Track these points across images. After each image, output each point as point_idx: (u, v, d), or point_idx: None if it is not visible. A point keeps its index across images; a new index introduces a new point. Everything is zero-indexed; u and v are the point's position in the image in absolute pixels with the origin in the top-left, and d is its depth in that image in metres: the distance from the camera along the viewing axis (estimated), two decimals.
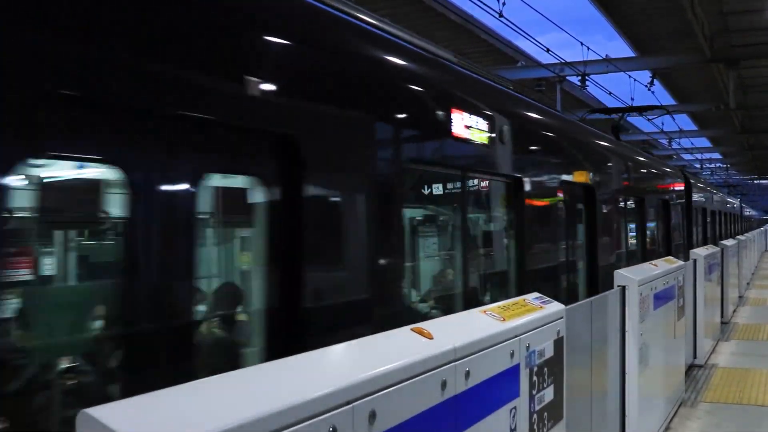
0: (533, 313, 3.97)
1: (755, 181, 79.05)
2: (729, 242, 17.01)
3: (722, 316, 14.84)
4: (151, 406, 1.68)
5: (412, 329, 2.93)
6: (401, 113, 4.57)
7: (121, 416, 1.56)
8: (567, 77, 20.99)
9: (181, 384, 1.84)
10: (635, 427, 6.44)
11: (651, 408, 7.13)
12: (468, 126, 5.26)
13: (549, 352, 4.06)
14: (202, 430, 1.65)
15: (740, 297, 19.74)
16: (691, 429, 8.13)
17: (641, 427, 6.59)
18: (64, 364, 3.04)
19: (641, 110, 16.75)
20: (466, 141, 5.25)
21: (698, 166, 54.31)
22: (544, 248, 7.18)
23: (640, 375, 6.51)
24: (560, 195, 7.63)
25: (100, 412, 1.55)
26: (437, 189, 5.97)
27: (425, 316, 5.24)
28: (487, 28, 18.94)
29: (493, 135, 5.71)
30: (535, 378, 3.83)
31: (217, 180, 3.54)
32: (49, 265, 4.63)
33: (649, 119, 27.10)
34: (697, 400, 9.29)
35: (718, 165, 60.73)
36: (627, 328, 6.37)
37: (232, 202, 3.74)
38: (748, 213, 52.15)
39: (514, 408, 3.55)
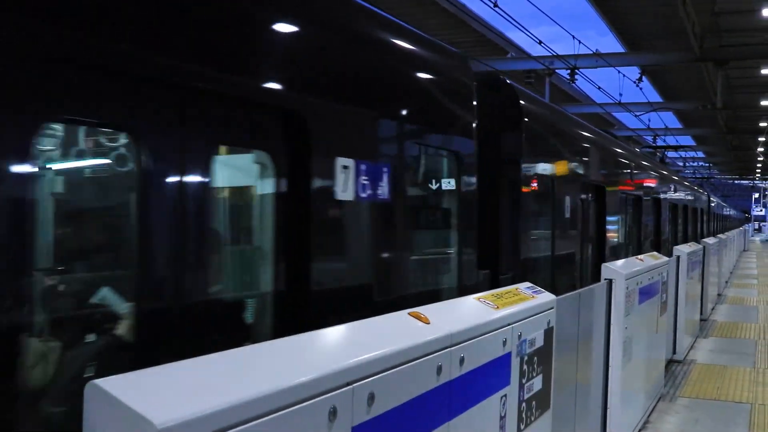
0: (525, 303, 3.98)
1: (735, 182, 79.77)
2: (711, 240, 17.18)
3: (701, 313, 14.99)
4: (160, 379, 1.67)
5: (409, 313, 2.94)
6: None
7: (130, 388, 1.55)
8: (557, 70, 21.02)
9: (191, 358, 1.83)
10: (616, 420, 6.50)
11: (632, 401, 7.19)
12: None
13: (539, 342, 4.08)
14: (206, 406, 1.64)
15: (719, 295, 19.95)
16: (670, 423, 8.21)
17: (622, 420, 6.65)
18: None
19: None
20: None
21: (681, 164, 54.71)
22: None
23: (623, 368, 6.57)
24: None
25: (108, 383, 1.54)
26: None
27: None
28: (479, 18, 18.91)
29: None
30: (525, 367, 3.85)
31: None
32: None
33: (636, 115, 27.25)
34: (676, 395, 9.39)
35: (700, 164, 61.22)
36: (612, 321, 6.42)
37: None
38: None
39: (505, 396, 3.57)
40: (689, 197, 21.03)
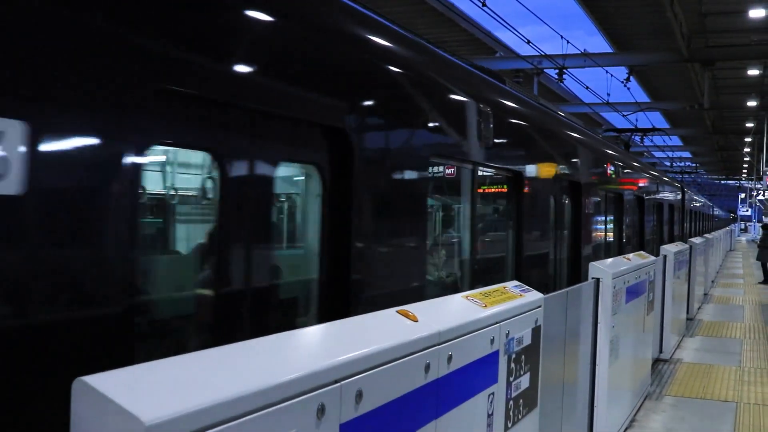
0: (513, 301, 3.99)
1: (722, 182, 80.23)
2: (697, 240, 17.29)
3: (688, 312, 15.08)
4: (148, 376, 1.67)
5: (398, 311, 2.94)
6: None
7: (118, 385, 1.54)
8: (545, 70, 21.09)
9: (179, 355, 1.83)
10: (603, 418, 6.53)
11: (619, 400, 7.23)
12: None
13: (527, 340, 4.09)
14: (194, 403, 1.64)
15: (705, 294, 20.06)
16: (656, 422, 8.26)
17: (609, 419, 6.68)
18: None
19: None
20: None
21: (668, 163, 54.98)
22: None
23: (610, 367, 6.60)
24: None
25: (96, 380, 1.54)
26: None
27: None
28: (467, 17, 18.95)
29: None
30: (512, 365, 3.86)
31: None
32: None
33: (624, 115, 27.37)
34: (662, 393, 9.44)
35: (687, 164, 61.56)
36: (599, 320, 6.45)
37: None
38: None
39: (492, 394, 3.58)
40: (653, 191, 16.37)
